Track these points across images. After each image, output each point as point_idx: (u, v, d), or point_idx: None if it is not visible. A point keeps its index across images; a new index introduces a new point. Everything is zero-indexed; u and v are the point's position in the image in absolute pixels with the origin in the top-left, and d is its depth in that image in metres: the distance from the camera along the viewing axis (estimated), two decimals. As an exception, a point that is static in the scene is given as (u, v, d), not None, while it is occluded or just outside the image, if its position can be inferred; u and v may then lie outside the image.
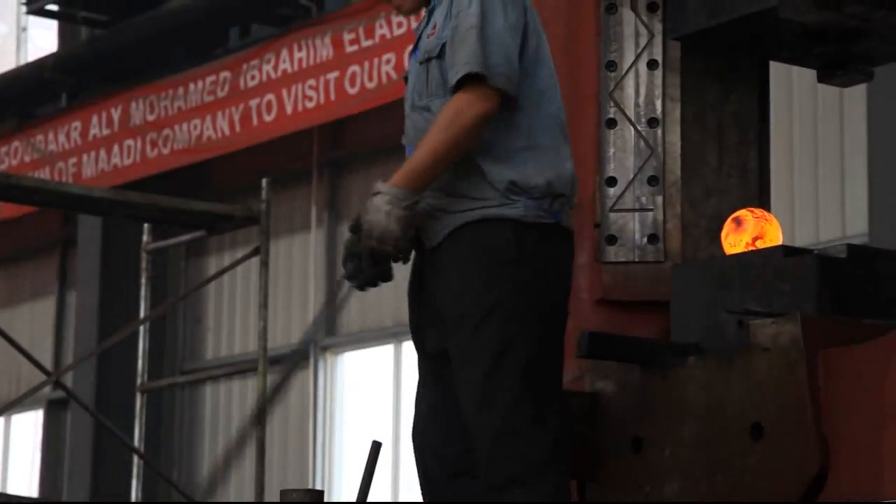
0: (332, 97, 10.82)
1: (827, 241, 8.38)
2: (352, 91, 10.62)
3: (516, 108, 3.28)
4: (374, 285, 3.32)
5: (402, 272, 3.39)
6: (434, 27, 3.34)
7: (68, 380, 11.24)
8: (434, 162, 3.20)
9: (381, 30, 10.50)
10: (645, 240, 3.82)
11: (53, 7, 12.57)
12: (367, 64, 10.55)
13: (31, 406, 13.13)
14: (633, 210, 3.84)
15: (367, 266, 3.25)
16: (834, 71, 3.85)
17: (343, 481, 11.21)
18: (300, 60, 11.14)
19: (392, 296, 10.34)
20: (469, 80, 3.22)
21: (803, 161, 8.82)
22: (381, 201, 3.19)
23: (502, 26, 3.25)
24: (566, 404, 3.33)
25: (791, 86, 8.68)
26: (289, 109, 11.19)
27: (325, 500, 3.50)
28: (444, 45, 3.29)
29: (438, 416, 3.33)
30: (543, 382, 3.22)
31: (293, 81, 11.15)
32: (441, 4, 3.36)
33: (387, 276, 3.30)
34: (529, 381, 3.19)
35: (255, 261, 7.56)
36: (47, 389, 10.97)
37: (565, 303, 3.31)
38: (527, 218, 3.23)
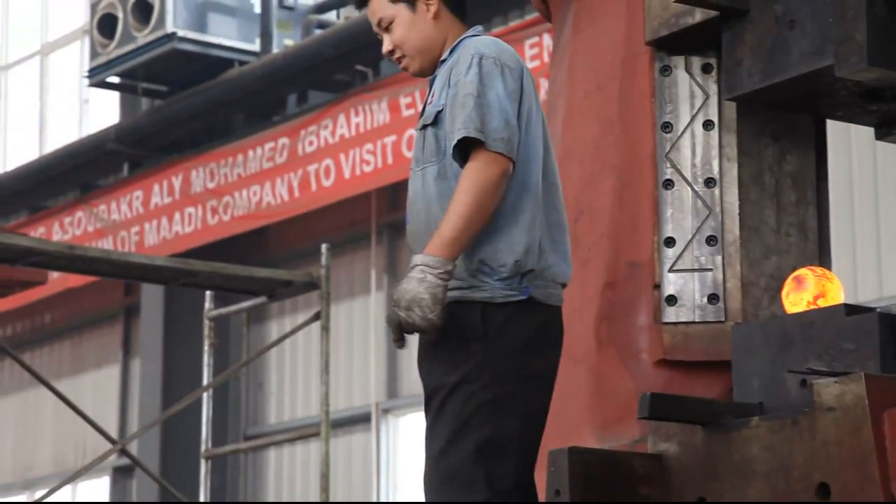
0: (390, 161, 10.90)
1: (891, 297, 8.31)
2: (409, 154, 10.69)
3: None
4: None
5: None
6: (433, 96, 3.41)
7: (133, 447, 11.31)
8: (463, 227, 3.22)
9: (437, 94, 10.58)
10: (705, 300, 3.82)
11: (114, 79, 12.78)
12: (423, 128, 10.62)
13: (97, 474, 13.21)
14: (693, 270, 3.84)
15: (395, 336, 3.25)
16: (891, 128, 3.84)
17: (407, 545, 11.17)
18: (357, 125, 11.24)
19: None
20: (473, 147, 3.26)
21: (864, 218, 8.77)
22: (415, 272, 3.21)
23: (502, 92, 3.30)
24: (531, 484, 3.31)
25: (850, 142, 8.65)
26: (347, 174, 11.28)
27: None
28: (438, 113, 3.36)
29: None
30: (501, 464, 3.22)
31: (351, 146, 11.25)
32: (440, 74, 3.43)
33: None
34: (484, 461, 3.20)
35: (316, 325, 7.61)
36: (113, 457, 11.04)
37: (546, 374, 3.33)
38: (495, 299, 3.26)
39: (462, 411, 3.22)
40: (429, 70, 3.49)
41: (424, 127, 3.39)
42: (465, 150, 3.28)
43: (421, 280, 3.18)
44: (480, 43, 3.39)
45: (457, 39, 3.45)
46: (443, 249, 3.20)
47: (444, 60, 3.45)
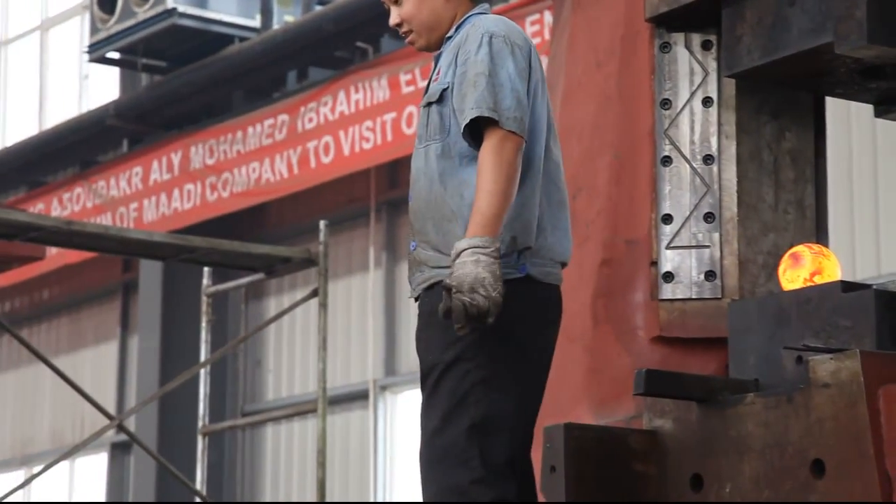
0: (389, 138, 10.89)
1: (889, 274, 8.31)
2: (409, 131, 10.68)
3: None
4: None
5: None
6: (438, 73, 3.41)
7: (131, 423, 11.33)
8: (499, 202, 3.21)
9: (437, 71, 10.56)
10: (702, 276, 3.82)
11: (114, 55, 12.75)
12: (423, 105, 10.61)
13: (94, 450, 13.24)
14: (690, 247, 3.84)
15: (461, 324, 3.17)
16: (890, 106, 3.84)
17: (404, 522, 11.20)
18: (357, 102, 11.23)
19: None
20: (486, 125, 3.26)
21: (863, 195, 8.76)
22: (466, 255, 3.18)
23: (513, 71, 3.30)
24: (526, 462, 3.30)
25: (850, 120, 8.64)
26: (346, 151, 11.27)
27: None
28: (443, 91, 3.36)
29: None
30: (495, 442, 3.22)
31: (350, 123, 11.24)
32: (447, 52, 3.42)
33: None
34: (479, 438, 3.20)
35: (314, 302, 7.60)
36: (111, 433, 11.05)
37: (543, 353, 3.32)
38: None
39: (457, 389, 3.22)
40: (435, 46, 3.48)
41: (429, 104, 3.39)
42: (475, 129, 3.28)
43: (476, 262, 3.16)
44: (489, 21, 3.39)
45: (464, 16, 3.44)
46: (485, 228, 3.19)
47: (449, 37, 3.44)
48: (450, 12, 3.44)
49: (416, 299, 3.39)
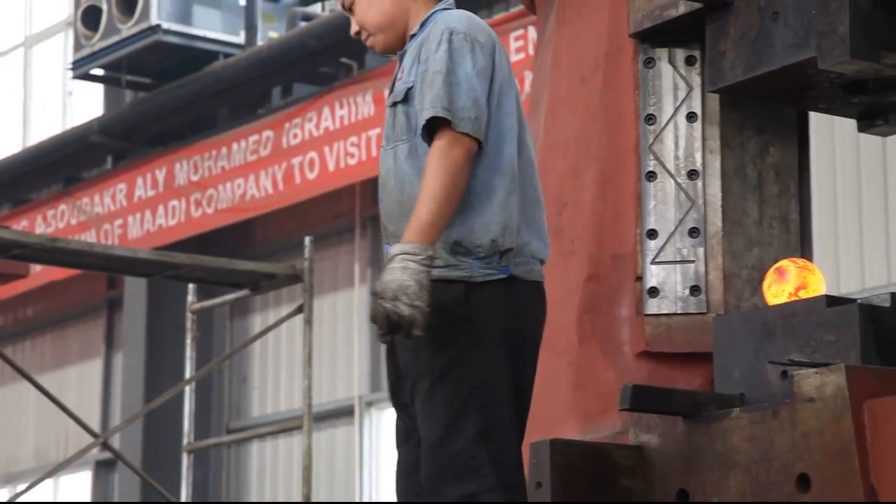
0: (374, 153, 10.89)
1: (873, 288, 8.33)
2: (393, 148, 10.67)
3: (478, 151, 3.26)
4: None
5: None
6: (402, 72, 3.35)
7: (116, 441, 11.29)
8: (437, 209, 3.15)
9: (422, 87, 10.57)
10: (687, 291, 3.82)
11: (98, 72, 12.74)
12: (407, 121, 10.61)
13: (79, 467, 13.18)
14: (675, 262, 3.84)
15: (382, 331, 3.16)
16: (873, 121, 3.85)
17: (390, 538, 11.17)
18: (342, 118, 11.23)
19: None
20: (440, 125, 3.21)
21: (847, 209, 8.79)
22: (395, 262, 3.14)
23: (471, 70, 3.23)
24: (521, 465, 3.27)
25: (833, 135, 8.67)
26: (331, 167, 11.26)
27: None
28: (408, 90, 3.30)
29: (412, 473, 3.31)
30: (502, 446, 3.18)
31: (335, 139, 11.24)
32: (411, 50, 3.36)
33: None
34: (485, 444, 3.15)
35: (300, 318, 7.59)
36: (95, 451, 11.02)
37: (533, 349, 3.27)
38: (474, 278, 3.21)
39: (455, 397, 3.15)
40: (395, 46, 3.42)
41: (395, 104, 3.33)
42: (433, 128, 3.22)
43: (403, 269, 3.11)
44: (452, 18, 3.32)
45: (427, 13, 3.38)
46: (420, 235, 3.14)
47: (414, 35, 3.38)
48: (401, 9, 3.37)
49: None
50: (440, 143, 3.19)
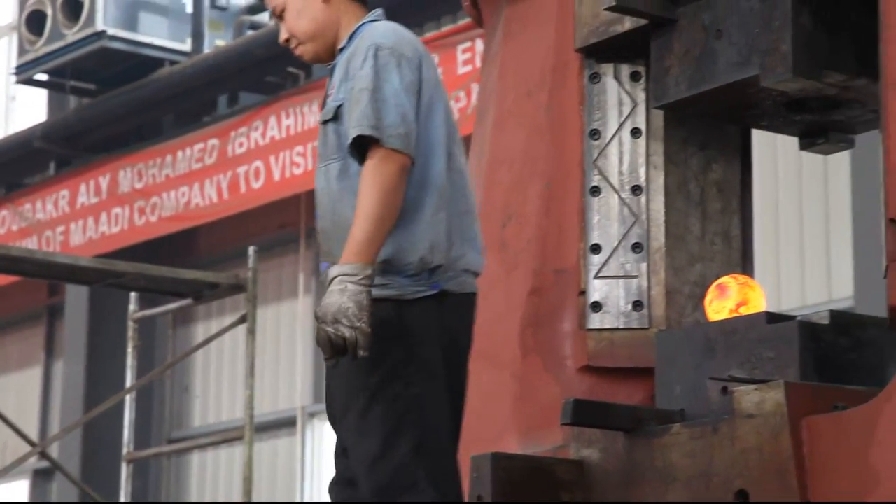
0: (320, 164, 10.88)
1: (813, 305, 8.40)
2: (339, 158, 10.66)
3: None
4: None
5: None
6: (333, 88, 3.34)
7: (54, 450, 11.17)
8: (373, 228, 3.14)
9: (368, 98, 10.56)
10: (629, 306, 3.83)
11: (42, 77, 12.63)
12: (354, 131, 10.60)
13: (16, 476, 13.04)
14: (618, 277, 3.85)
15: (327, 355, 3.18)
16: (815, 139, 3.88)
17: (331, 550, 11.13)
18: (288, 127, 11.20)
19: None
20: (370, 144, 3.19)
21: (789, 227, 8.86)
22: (334, 285, 3.12)
23: (398, 85, 3.21)
24: (458, 477, 3.27)
25: (776, 153, 8.74)
26: (276, 176, 11.22)
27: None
28: (338, 108, 3.28)
29: (347, 486, 3.31)
30: (439, 460, 3.19)
31: (281, 148, 11.20)
32: (339, 65, 3.34)
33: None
34: (422, 460, 3.15)
35: (243, 328, 7.55)
36: (33, 460, 10.90)
37: (464, 360, 3.28)
38: (405, 296, 3.21)
39: (390, 412, 3.15)
40: (325, 57, 3.40)
41: (325, 122, 3.32)
42: (363, 146, 3.20)
43: (342, 291, 3.10)
44: (378, 32, 3.29)
45: (356, 24, 3.35)
46: (357, 255, 3.13)
47: (342, 49, 3.35)
48: (332, 19, 3.35)
49: None
50: (371, 161, 3.17)
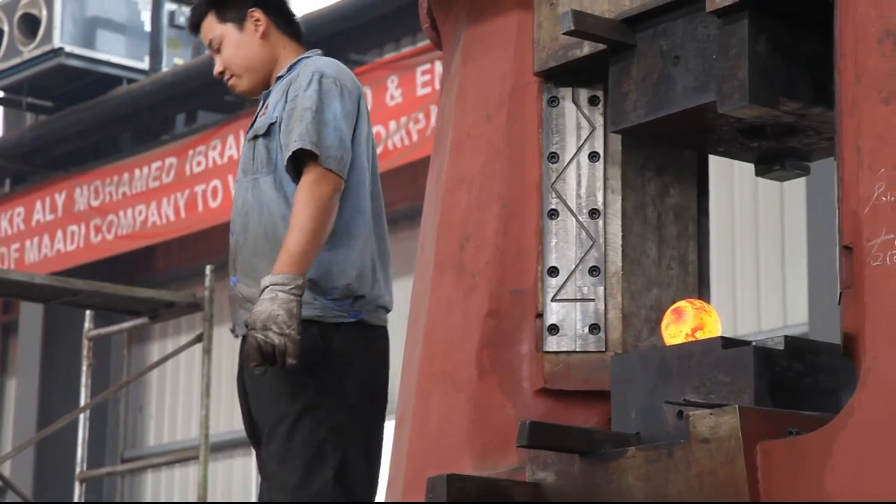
0: (278, 184, 10.87)
1: (769, 331, 8.46)
2: (297, 178, 10.65)
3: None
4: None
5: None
6: (266, 108, 3.45)
7: (6, 468, 11.07)
8: (308, 240, 3.21)
9: (328, 118, 10.57)
10: (586, 329, 3.84)
11: (-2, 93, 12.58)
12: (313, 152, 10.60)
13: (-33, 495, 12.91)
14: (575, 300, 3.87)
15: (256, 362, 3.22)
16: (771, 166, 3.91)
17: (285, 572, 11.08)
18: (246, 147, 11.19)
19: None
20: (307, 161, 3.28)
21: (745, 253, 8.92)
22: (265, 293, 3.18)
23: (339, 112, 3.34)
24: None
25: (733, 179, 8.80)
26: (234, 196, 11.21)
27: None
28: (271, 125, 3.40)
29: None
30: (358, 486, 3.26)
31: (239, 168, 11.19)
32: (276, 90, 3.47)
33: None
34: (342, 486, 3.22)
35: (199, 347, 7.53)
36: (-16, 478, 10.80)
37: (383, 392, 3.38)
38: (326, 318, 3.27)
39: (311, 439, 3.21)
40: (258, 89, 3.54)
41: (255, 137, 3.42)
42: (298, 162, 3.28)
43: (272, 299, 3.16)
44: (322, 62, 3.45)
45: (293, 59, 3.50)
46: (290, 266, 3.19)
47: (281, 77, 3.48)
48: (269, 54, 3.50)
49: (244, 339, 3.37)
50: (308, 177, 3.28)
